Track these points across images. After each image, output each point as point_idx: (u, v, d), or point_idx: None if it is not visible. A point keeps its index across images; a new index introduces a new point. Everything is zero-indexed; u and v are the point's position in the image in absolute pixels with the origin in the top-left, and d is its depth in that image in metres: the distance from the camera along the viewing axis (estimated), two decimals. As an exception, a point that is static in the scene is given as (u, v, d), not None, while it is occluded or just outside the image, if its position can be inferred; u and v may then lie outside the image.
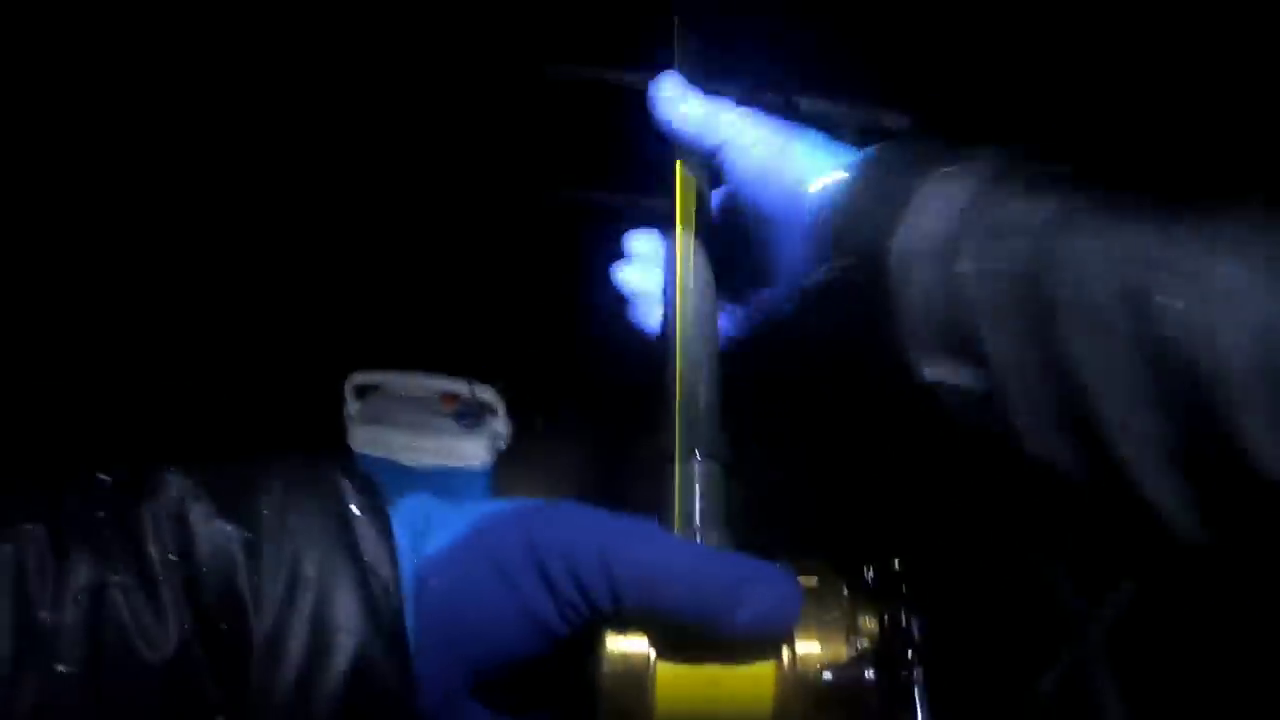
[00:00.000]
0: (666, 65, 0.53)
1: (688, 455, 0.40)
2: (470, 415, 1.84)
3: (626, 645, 0.35)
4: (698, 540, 0.39)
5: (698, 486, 0.40)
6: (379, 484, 0.39)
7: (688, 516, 0.39)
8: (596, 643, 0.36)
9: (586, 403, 2.24)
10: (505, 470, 1.90)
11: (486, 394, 1.85)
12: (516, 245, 2.65)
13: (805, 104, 2.41)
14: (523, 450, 1.93)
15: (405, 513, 0.38)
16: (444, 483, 1.84)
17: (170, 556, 0.33)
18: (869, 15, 2.40)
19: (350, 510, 0.36)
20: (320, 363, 2.04)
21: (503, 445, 1.88)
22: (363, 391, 1.90)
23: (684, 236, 0.53)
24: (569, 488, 2.03)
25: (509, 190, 2.65)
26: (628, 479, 1.90)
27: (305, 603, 0.33)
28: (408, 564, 0.36)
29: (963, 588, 1.91)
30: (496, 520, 0.37)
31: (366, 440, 1.84)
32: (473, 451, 1.82)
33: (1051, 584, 1.84)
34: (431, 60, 2.49)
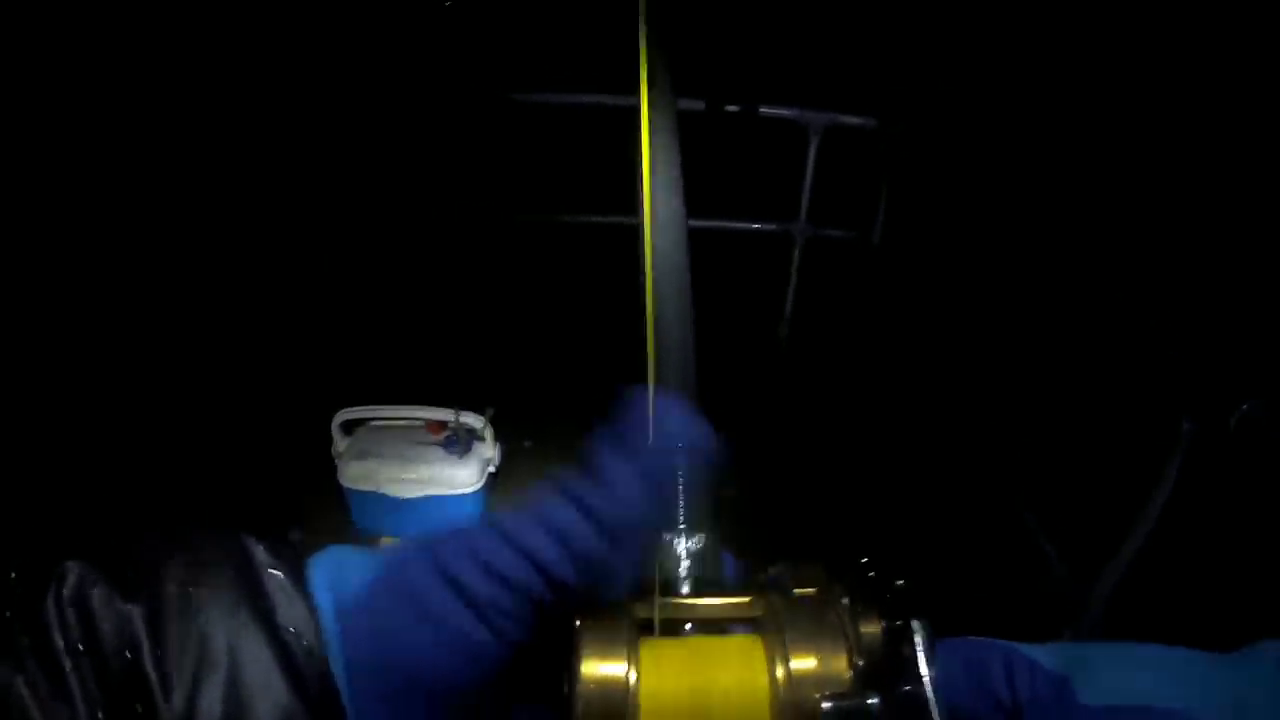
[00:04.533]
0: (634, 82, 0.52)
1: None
2: (458, 442, 1.84)
3: (605, 670, 0.33)
4: (683, 543, 0.37)
5: (680, 484, 0.38)
6: (295, 543, 0.37)
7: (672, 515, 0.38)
8: (570, 667, 0.34)
9: (574, 417, 2.25)
10: (498, 493, 1.90)
11: (473, 420, 1.85)
12: (492, 268, 2.66)
13: (768, 110, 2.45)
14: (514, 472, 1.93)
15: (323, 565, 0.37)
16: (436, 511, 1.84)
17: (76, 645, 0.31)
18: (832, 22, 2.44)
19: (263, 575, 0.35)
20: (308, 403, 2.03)
21: (493, 469, 1.88)
22: (350, 427, 1.90)
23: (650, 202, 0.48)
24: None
25: (483, 216, 2.66)
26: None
27: (216, 680, 0.32)
28: (329, 618, 0.35)
29: (960, 576, 1.93)
30: (404, 555, 0.36)
31: (356, 475, 1.83)
32: (463, 478, 1.82)
33: (1046, 566, 1.85)
34: (400, 93, 2.51)
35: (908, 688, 0.33)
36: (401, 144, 2.53)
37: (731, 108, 2.44)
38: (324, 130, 2.42)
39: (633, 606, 0.36)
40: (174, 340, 2.26)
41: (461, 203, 2.60)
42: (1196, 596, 1.70)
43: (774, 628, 0.36)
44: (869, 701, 0.33)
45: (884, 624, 0.35)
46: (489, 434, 1.87)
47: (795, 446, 2.34)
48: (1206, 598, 1.71)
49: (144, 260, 2.29)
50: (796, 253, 2.63)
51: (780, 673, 0.33)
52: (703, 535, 0.37)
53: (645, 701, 0.33)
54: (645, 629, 0.35)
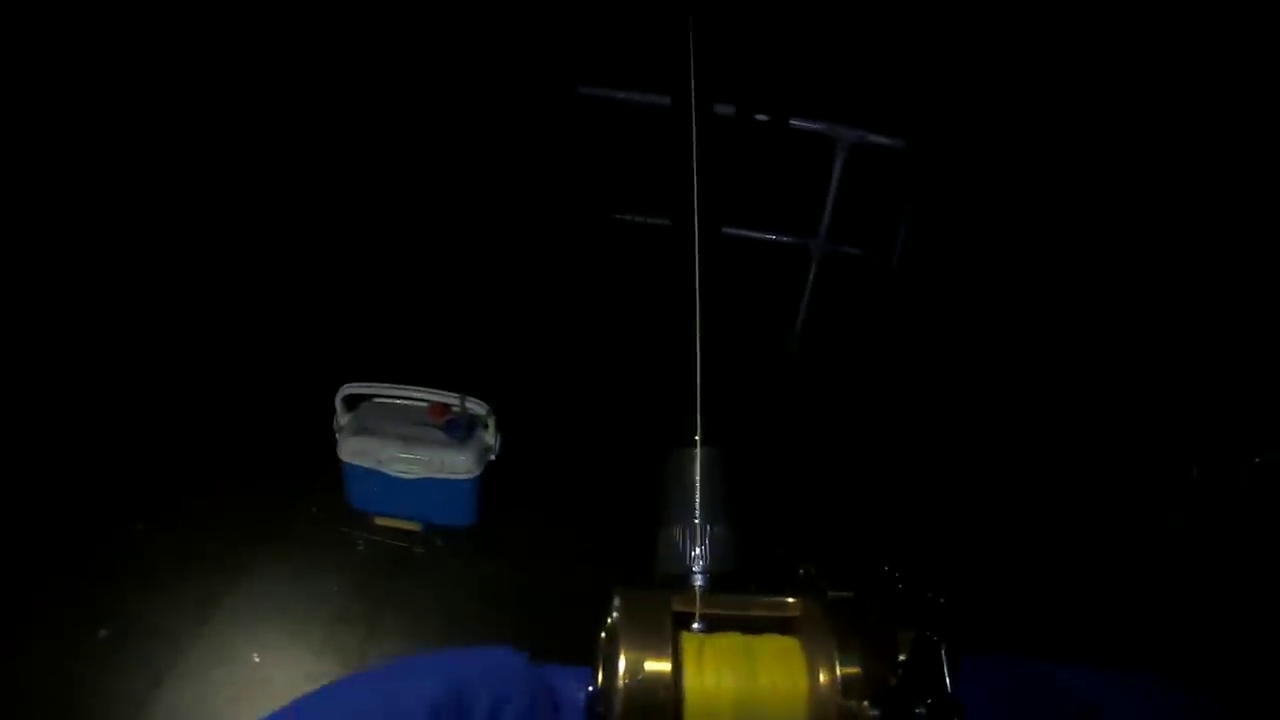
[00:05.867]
0: (683, 84, 0.50)
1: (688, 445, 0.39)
2: (460, 427, 1.83)
3: (649, 665, 0.33)
4: (702, 535, 0.38)
5: (696, 474, 0.39)
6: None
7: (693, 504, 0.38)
8: (609, 657, 0.33)
9: (573, 414, 2.25)
10: (493, 481, 1.90)
11: (477, 407, 1.85)
12: (509, 261, 2.66)
13: (797, 123, 2.44)
14: (510, 462, 1.93)
15: None
16: (432, 494, 1.83)
17: None
18: (862, 38, 2.43)
19: None
20: (313, 373, 2.04)
21: (492, 457, 1.87)
22: (353, 402, 1.90)
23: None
24: (552, 498, 2.02)
25: (502, 207, 2.66)
26: (605, 490, 1.91)
27: None
28: None
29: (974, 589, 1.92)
30: None
31: (356, 451, 1.83)
32: (462, 464, 1.81)
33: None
34: (413, 81, 2.52)
35: (931, 701, 0.33)
36: (420, 134, 2.53)
37: (761, 116, 2.44)
38: (355, 119, 2.43)
39: (670, 598, 0.36)
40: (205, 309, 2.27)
41: (503, 197, 2.61)
42: (1209, 635, 1.69)
43: (815, 631, 0.36)
44: (916, 711, 0.33)
45: (914, 635, 0.35)
46: (492, 422, 1.87)
47: (797, 458, 2.33)
48: (1219, 637, 1.70)
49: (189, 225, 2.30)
50: (813, 268, 2.62)
51: (824, 677, 0.33)
52: (720, 527, 0.38)
53: (691, 697, 0.33)
54: (679, 621, 0.35)
